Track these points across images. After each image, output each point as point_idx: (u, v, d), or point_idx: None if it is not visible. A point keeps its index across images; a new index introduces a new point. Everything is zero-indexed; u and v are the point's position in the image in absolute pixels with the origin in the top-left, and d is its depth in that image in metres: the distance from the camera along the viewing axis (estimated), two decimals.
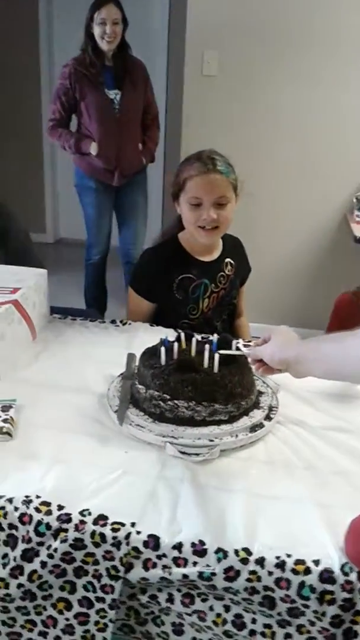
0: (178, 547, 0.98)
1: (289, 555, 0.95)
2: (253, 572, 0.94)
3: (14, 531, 1.05)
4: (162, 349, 1.29)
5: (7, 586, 1.06)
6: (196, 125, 3.17)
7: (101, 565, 1.01)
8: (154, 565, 0.98)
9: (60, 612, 1.07)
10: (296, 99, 3.06)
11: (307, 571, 0.93)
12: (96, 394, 1.39)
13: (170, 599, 1.02)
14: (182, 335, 1.38)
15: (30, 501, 1.05)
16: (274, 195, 3.22)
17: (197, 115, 3.17)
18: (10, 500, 1.05)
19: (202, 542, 0.98)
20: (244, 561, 0.95)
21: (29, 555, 1.03)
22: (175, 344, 1.32)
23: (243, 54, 3.04)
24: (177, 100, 3.23)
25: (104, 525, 1.00)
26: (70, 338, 1.68)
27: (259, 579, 0.94)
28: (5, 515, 1.04)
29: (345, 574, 0.93)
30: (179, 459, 1.17)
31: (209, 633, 1.03)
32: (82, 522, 1.01)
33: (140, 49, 3.18)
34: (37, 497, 1.06)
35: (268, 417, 1.29)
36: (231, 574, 0.95)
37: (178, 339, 1.36)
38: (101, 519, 1.01)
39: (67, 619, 1.07)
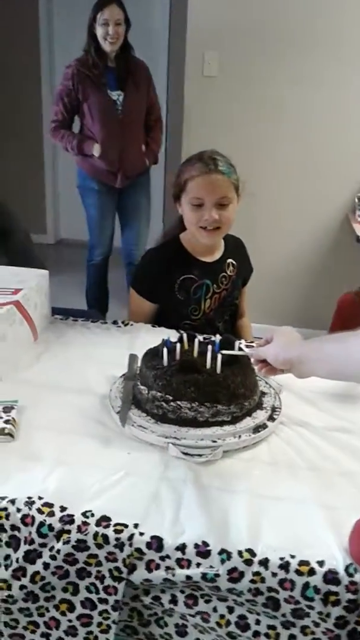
0: (181, 548, 0.97)
1: (293, 557, 0.95)
2: (257, 573, 0.94)
3: (16, 532, 1.04)
4: (165, 350, 1.29)
5: (9, 587, 1.05)
6: (197, 125, 3.17)
7: (104, 567, 1.01)
8: (157, 567, 0.98)
9: (63, 614, 1.07)
10: (297, 98, 3.06)
11: (312, 572, 0.93)
12: (98, 395, 1.39)
13: (174, 600, 1.01)
14: (185, 336, 1.38)
15: (33, 502, 1.04)
16: (276, 196, 3.22)
17: (198, 116, 3.17)
18: (12, 502, 1.05)
19: (205, 544, 0.97)
20: (248, 562, 0.94)
21: (31, 556, 1.03)
22: (178, 345, 1.31)
23: (244, 54, 3.04)
24: (178, 100, 3.23)
25: (107, 526, 1.00)
26: (71, 339, 1.68)
27: (262, 580, 0.94)
28: (7, 516, 1.04)
29: (350, 575, 0.92)
30: (182, 460, 1.17)
31: (213, 634, 1.03)
32: (85, 523, 1.01)
33: (140, 49, 3.18)
34: (40, 498, 1.05)
35: (271, 418, 1.28)
36: (235, 575, 0.94)
37: (180, 339, 1.36)
38: (104, 520, 1.01)
39: (69, 621, 1.07)
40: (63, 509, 1.03)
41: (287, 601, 0.94)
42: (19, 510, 1.04)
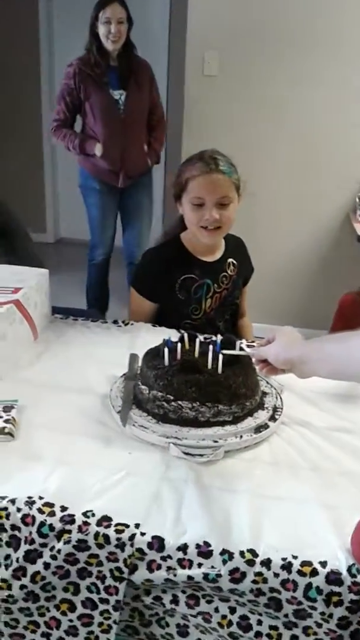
0: (183, 548, 0.97)
1: (295, 557, 0.94)
2: (259, 574, 0.94)
3: (16, 532, 1.04)
4: (166, 350, 1.28)
5: (9, 587, 1.05)
6: (197, 125, 3.16)
7: (105, 567, 1.01)
8: (159, 567, 0.98)
9: (64, 614, 1.06)
10: (297, 98, 3.05)
11: (314, 573, 0.92)
12: (99, 394, 1.39)
13: (175, 601, 1.01)
14: (186, 335, 1.37)
15: (33, 502, 1.04)
16: (276, 195, 3.22)
17: (198, 116, 3.16)
18: (12, 501, 1.04)
19: (207, 544, 0.97)
20: (250, 563, 0.94)
21: (31, 556, 1.03)
22: (179, 345, 1.31)
23: (244, 54, 3.04)
24: (178, 100, 3.22)
25: (108, 526, 1.00)
26: (71, 338, 1.67)
27: (265, 580, 0.93)
28: (7, 516, 1.04)
29: (353, 576, 0.92)
30: (183, 460, 1.17)
31: (214, 635, 1.02)
32: (86, 523, 1.00)
33: (140, 49, 3.16)
34: (40, 498, 1.05)
35: (272, 418, 1.28)
36: (237, 576, 0.94)
37: (181, 339, 1.35)
38: (105, 520, 1.01)
39: (70, 620, 1.07)
40: (64, 508, 1.03)
41: (289, 602, 0.94)
42: (19, 510, 1.03)
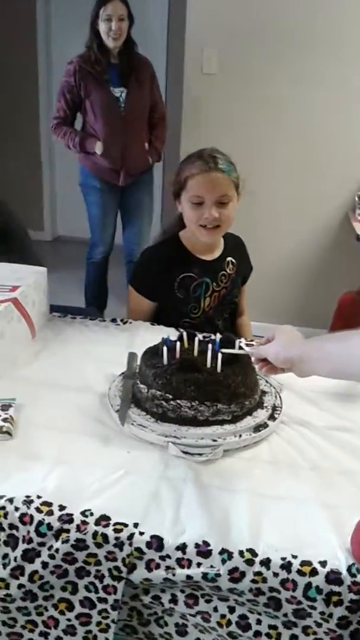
0: (182, 548, 0.96)
1: (294, 557, 0.94)
2: (258, 574, 0.93)
3: (14, 531, 1.04)
4: (164, 349, 1.28)
5: (7, 586, 1.04)
6: (196, 123, 3.16)
7: (103, 566, 1.00)
8: (157, 566, 0.97)
9: (62, 613, 1.06)
10: (297, 96, 3.05)
11: (314, 572, 0.92)
12: (97, 393, 1.38)
13: (174, 600, 1.01)
14: (185, 334, 1.37)
15: (31, 501, 1.03)
16: (275, 194, 3.21)
17: (197, 113, 3.15)
18: (10, 500, 1.04)
19: (206, 543, 0.97)
20: (249, 562, 0.94)
21: (29, 555, 1.02)
22: (178, 344, 1.31)
23: (243, 51, 3.03)
24: (177, 98, 3.22)
25: (107, 525, 0.99)
26: (70, 337, 1.67)
27: (264, 580, 0.93)
28: (5, 515, 1.03)
29: (353, 576, 0.92)
30: (182, 459, 1.16)
31: (213, 634, 1.02)
32: (84, 522, 1.00)
33: (139, 47, 3.16)
34: (38, 497, 1.04)
35: (272, 417, 1.28)
36: (236, 575, 0.94)
37: (180, 338, 1.35)
38: (103, 519, 1.00)
39: (68, 620, 1.06)
40: (62, 508, 1.02)
41: (288, 601, 0.93)
42: (17, 509, 1.03)
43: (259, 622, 0.98)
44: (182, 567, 0.96)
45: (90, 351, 1.58)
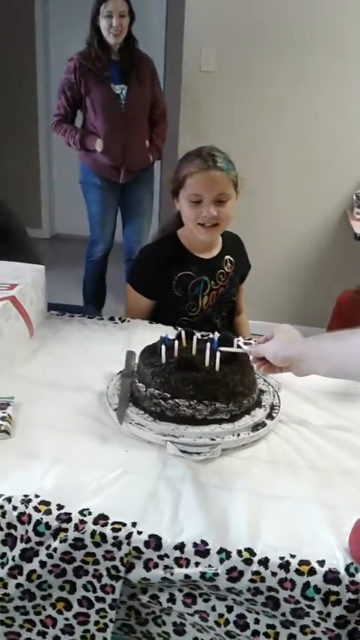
0: (180, 547, 0.96)
1: (293, 556, 0.94)
2: (256, 573, 0.93)
3: (12, 530, 1.03)
4: (163, 347, 1.27)
5: (5, 586, 1.04)
6: (195, 121, 3.15)
7: (101, 565, 1.00)
8: (156, 566, 0.97)
9: (60, 612, 1.06)
10: (296, 95, 3.05)
11: (312, 572, 0.92)
12: (95, 391, 1.38)
13: (172, 599, 1.00)
14: (183, 333, 1.36)
15: (30, 500, 1.03)
16: (274, 192, 3.21)
17: (196, 112, 3.15)
18: (8, 500, 1.04)
19: (204, 542, 0.96)
20: (247, 562, 0.94)
21: (27, 555, 1.02)
22: (176, 342, 1.30)
23: (241, 49, 3.03)
24: (175, 96, 3.21)
25: (105, 525, 0.99)
26: (68, 335, 1.66)
27: (262, 579, 0.93)
28: (3, 514, 1.03)
29: (351, 575, 0.91)
30: (180, 458, 1.16)
31: (211, 633, 1.02)
32: (82, 521, 0.99)
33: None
34: (36, 496, 1.04)
35: (270, 416, 1.28)
36: (234, 575, 0.94)
37: (179, 337, 1.35)
38: (101, 518, 1.00)
39: (66, 619, 1.06)
40: (60, 507, 1.02)
41: (287, 601, 0.93)
42: (15, 508, 1.02)
43: (257, 621, 0.98)
44: (180, 566, 0.96)
45: (89, 349, 1.58)
